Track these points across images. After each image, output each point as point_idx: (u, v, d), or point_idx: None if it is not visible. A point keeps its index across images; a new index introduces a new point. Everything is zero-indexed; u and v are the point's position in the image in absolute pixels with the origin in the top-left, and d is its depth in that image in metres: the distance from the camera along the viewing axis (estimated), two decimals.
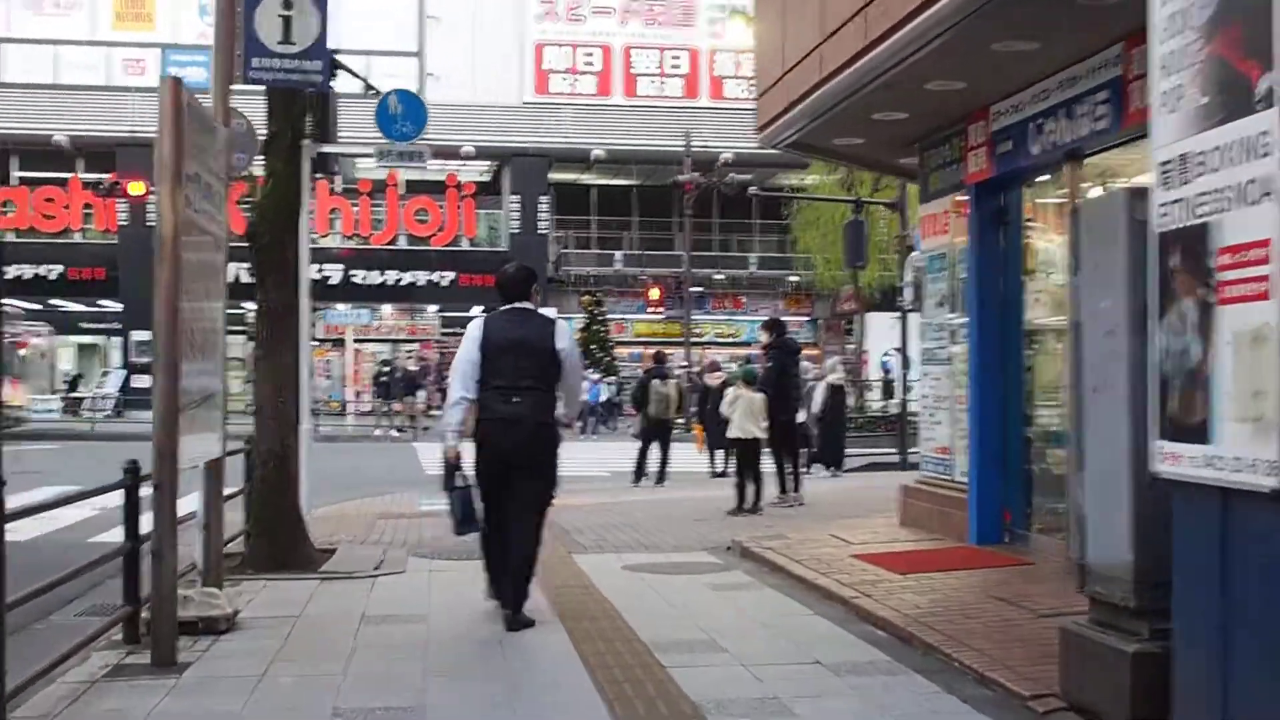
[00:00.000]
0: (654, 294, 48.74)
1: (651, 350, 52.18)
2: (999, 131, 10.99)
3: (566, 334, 8.89)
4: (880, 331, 47.77)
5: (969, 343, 11.75)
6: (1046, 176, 10.97)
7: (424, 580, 10.72)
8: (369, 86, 15.28)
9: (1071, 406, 6.46)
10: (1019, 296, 11.33)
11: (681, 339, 51.75)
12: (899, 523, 13.23)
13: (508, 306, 8.90)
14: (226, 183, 9.07)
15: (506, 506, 8.69)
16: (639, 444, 21.94)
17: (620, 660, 7.67)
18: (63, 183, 45.42)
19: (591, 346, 48.56)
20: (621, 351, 51.43)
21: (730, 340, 51.71)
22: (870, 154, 13.53)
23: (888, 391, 27.08)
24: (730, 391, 16.69)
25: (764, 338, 17.65)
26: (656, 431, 21.54)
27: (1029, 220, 11.39)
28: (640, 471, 21.39)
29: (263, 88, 11.50)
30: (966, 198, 11.88)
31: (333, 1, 12.85)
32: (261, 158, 11.75)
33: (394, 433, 38.79)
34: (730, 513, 15.70)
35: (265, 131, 11.75)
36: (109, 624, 7.64)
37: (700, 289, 47.53)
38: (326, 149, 13.19)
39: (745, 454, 15.94)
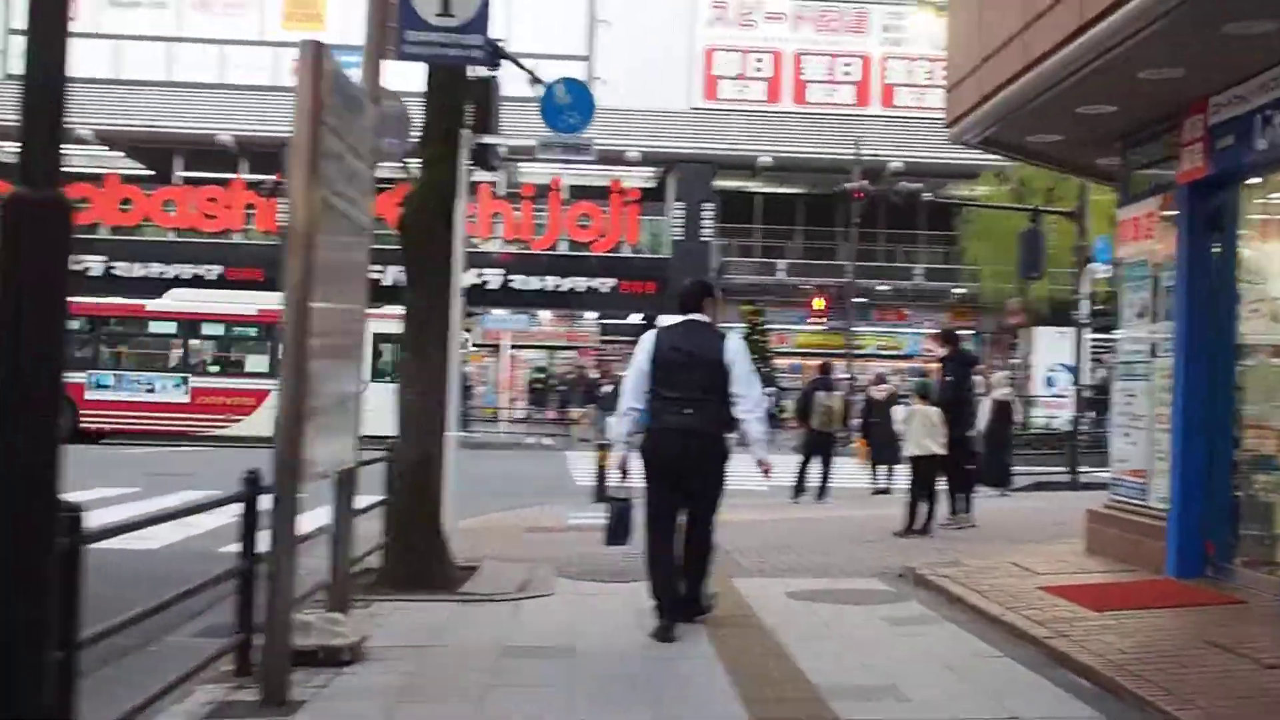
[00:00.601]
0: (818, 304, 47.69)
1: (814, 362, 51.96)
2: (1218, 125, 9.86)
3: (736, 347, 8.89)
4: (1047, 346, 46.23)
5: (1174, 357, 10.60)
6: (1268, 176, 9.84)
7: (572, 605, 9.90)
8: (534, 77, 14.52)
9: None
10: (1232, 308, 10.19)
11: (843, 350, 50.91)
12: (1085, 550, 12.14)
13: (683, 319, 9.02)
14: (374, 167, 8.31)
15: (674, 517, 8.73)
16: (800, 457, 21.01)
17: (791, 708, 6.79)
18: (225, 183, 45.59)
19: (752, 356, 47.56)
20: (781, 362, 50.40)
21: (892, 353, 50.31)
22: (1066, 153, 12.44)
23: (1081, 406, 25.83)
24: (902, 409, 15.69)
25: (939, 349, 16.71)
26: (819, 445, 20.57)
27: (1249, 224, 10.25)
28: (801, 486, 20.43)
29: (421, 89, 10.84)
30: (1174, 199, 10.79)
31: (501, 2, 12.21)
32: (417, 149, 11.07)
33: (545, 440, 38.25)
34: (898, 534, 14.82)
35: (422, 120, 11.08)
36: (217, 653, 6.87)
37: (863, 300, 46.31)
38: (486, 140, 12.42)
39: (922, 472, 15.01)
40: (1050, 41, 9.20)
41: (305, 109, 6.48)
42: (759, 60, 47.19)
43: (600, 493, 19.74)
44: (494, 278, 45.74)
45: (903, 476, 19.59)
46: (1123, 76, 9.41)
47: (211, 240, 44.99)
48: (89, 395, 30.85)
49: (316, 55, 6.56)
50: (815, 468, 20.52)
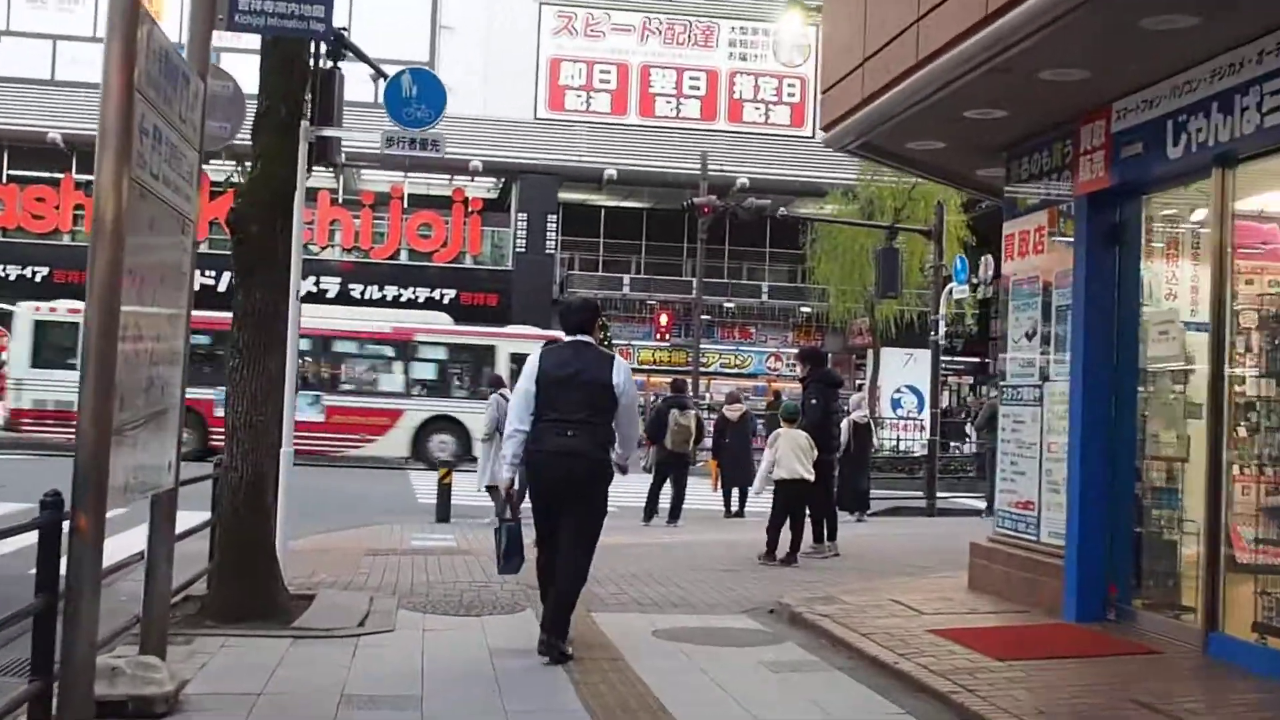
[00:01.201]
0: (663, 320, 47.19)
1: (658, 379, 51.40)
2: (1123, 132, 9.23)
3: (624, 370, 8.85)
4: (894, 368, 46.21)
5: (1071, 382, 9.89)
6: (1179, 187, 9.27)
7: (416, 642, 8.96)
8: (378, 70, 13.56)
9: None
10: (1134, 330, 9.58)
11: (688, 367, 50.42)
12: (968, 586, 11.50)
13: (570, 339, 8.91)
14: (201, 152, 7.32)
15: (557, 537, 8.66)
16: (651, 478, 20.26)
17: None
18: (55, 182, 43.63)
19: None
20: None
21: (737, 371, 49.89)
22: (948, 162, 11.80)
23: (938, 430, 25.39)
24: (775, 431, 14.97)
25: (801, 369, 16.08)
26: (672, 465, 19.80)
27: (1155, 238, 9.66)
28: (652, 509, 19.66)
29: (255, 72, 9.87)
30: (1072, 211, 10.21)
31: (341, 5, 11.33)
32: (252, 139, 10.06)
33: None
34: (762, 560, 14.20)
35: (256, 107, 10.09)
36: (7, 707, 5.83)
37: (708, 317, 45.83)
38: (327, 132, 11.41)
39: (790, 497, 14.40)
40: (948, 34, 8.51)
41: (117, 72, 5.51)
42: (605, 72, 46.34)
43: (443, 511, 18.82)
44: (332, 286, 44.48)
45: (755, 500, 19.02)
46: (1022, 77, 8.78)
47: (40, 241, 42.95)
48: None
49: (130, 11, 5.58)
50: (666, 489, 19.78)
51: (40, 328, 32.77)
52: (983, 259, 26.25)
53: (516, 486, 8.92)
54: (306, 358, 31.87)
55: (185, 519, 11.39)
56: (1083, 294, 9.74)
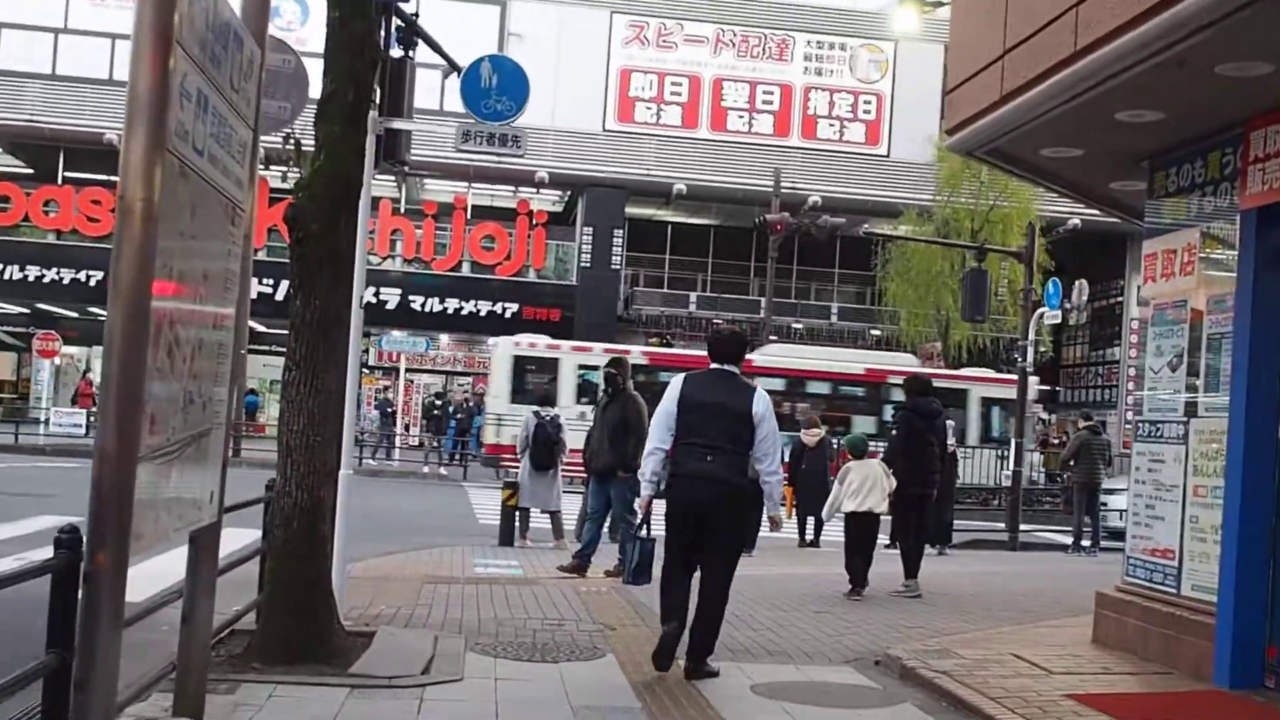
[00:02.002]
0: None
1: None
2: None
3: (764, 401, 8.93)
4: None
5: (1231, 421, 8.66)
6: None
7: (488, 695, 7.89)
8: (450, 62, 12.55)
9: None
10: None
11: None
12: (1093, 640, 10.34)
13: (714, 367, 9.13)
14: (255, 130, 6.29)
15: (693, 560, 8.87)
16: None
17: None
18: (111, 184, 43.05)
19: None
20: None
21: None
22: (1080, 173, 10.64)
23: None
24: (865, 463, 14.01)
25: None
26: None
27: None
28: None
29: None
30: (1211, 232, 9.09)
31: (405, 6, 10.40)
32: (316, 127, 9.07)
33: (442, 470, 36.24)
34: (849, 595, 13.42)
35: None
36: None
37: (775, 338, 44.68)
38: (397, 125, 10.40)
39: (857, 528, 13.66)
40: (1116, 20, 7.38)
41: (151, 19, 4.50)
42: (676, 84, 45.35)
43: (507, 535, 17.84)
44: (392, 297, 43.72)
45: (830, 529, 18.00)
46: (1195, 72, 7.63)
47: (94, 245, 42.31)
48: None
49: None
50: None
51: (519, 363, 32.20)
52: (1077, 283, 24.99)
53: (649, 503, 9.06)
54: (782, 399, 31.21)
55: (235, 539, 10.50)
56: (1248, 322, 8.52)
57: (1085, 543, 22.32)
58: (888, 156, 45.51)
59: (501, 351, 33.19)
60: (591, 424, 15.63)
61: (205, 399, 5.57)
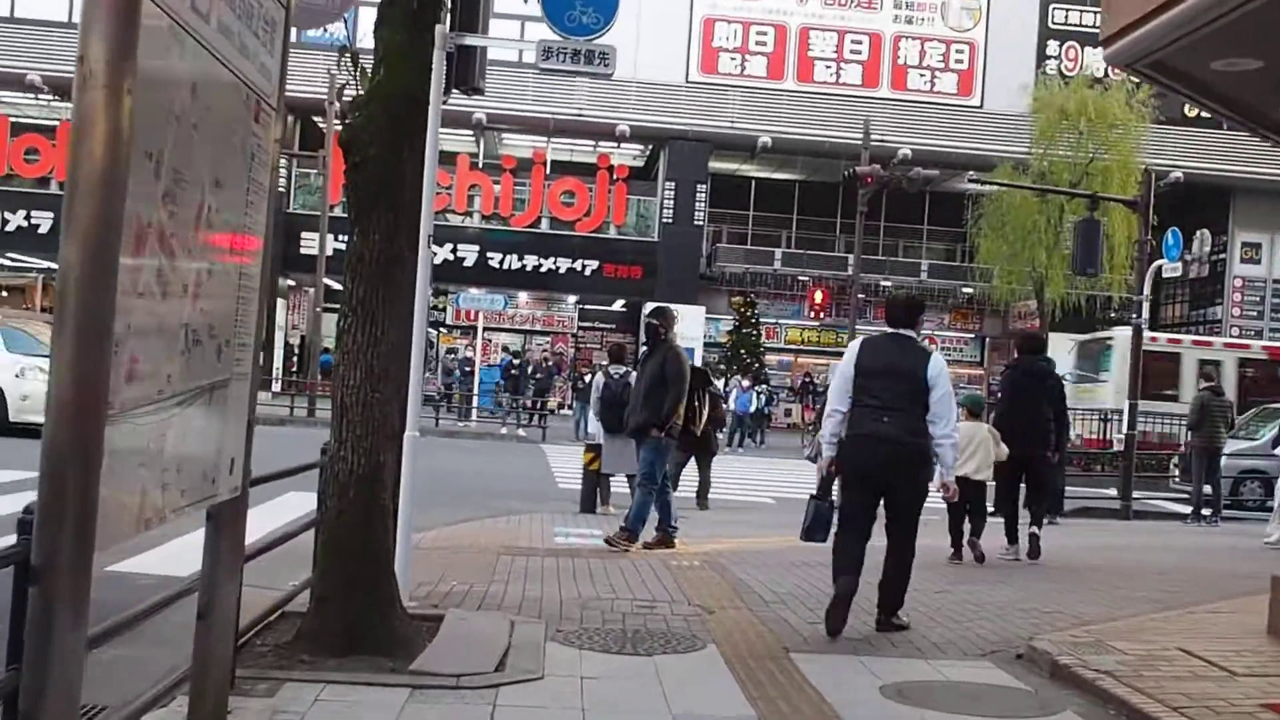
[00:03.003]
0: (818, 297, 44.78)
1: (809, 359, 49.00)
2: None
3: (939, 365, 9.03)
4: (1059, 356, 43.01)
5: None
6: None
7: (574, 697, 6.66)
8: None
9: None
10: None
11: (835, 348, 48.10)
12: (1268, 629, 8.99)
13: (891, 331, 9.24)
14: (287, 8, 5.04)
15: (867, 522, 8.93)
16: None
17: None
18: None
19: (741, 351, 44.69)
20: (770, 359, 47.35)
21: None
22: (1251, 91, 9.20)
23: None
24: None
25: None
26: None
27: None
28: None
29: None
30: None
31: None
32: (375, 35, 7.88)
33: (520, 431, 35.20)
34: (950, 560, 12.91)
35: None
36: None
37: (862, 296, 43.24)
38: (469, 40, 9.16)
39: (967, 494, 12.40)
40: None
41: None
42: (762, 33, 43.85)
43: (589, 501, 16.70)
44: (470, 254, 42.74)
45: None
46: None
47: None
48: None
49: None
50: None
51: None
52: (1199, 233, 23.43)
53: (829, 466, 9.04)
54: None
55: (296, 505, 9.39)
56: None
57: (1206, 512, 20.65)
58: (981, 108, 43.89)
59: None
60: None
61: (220, 342, 4.37)
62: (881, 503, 8.93)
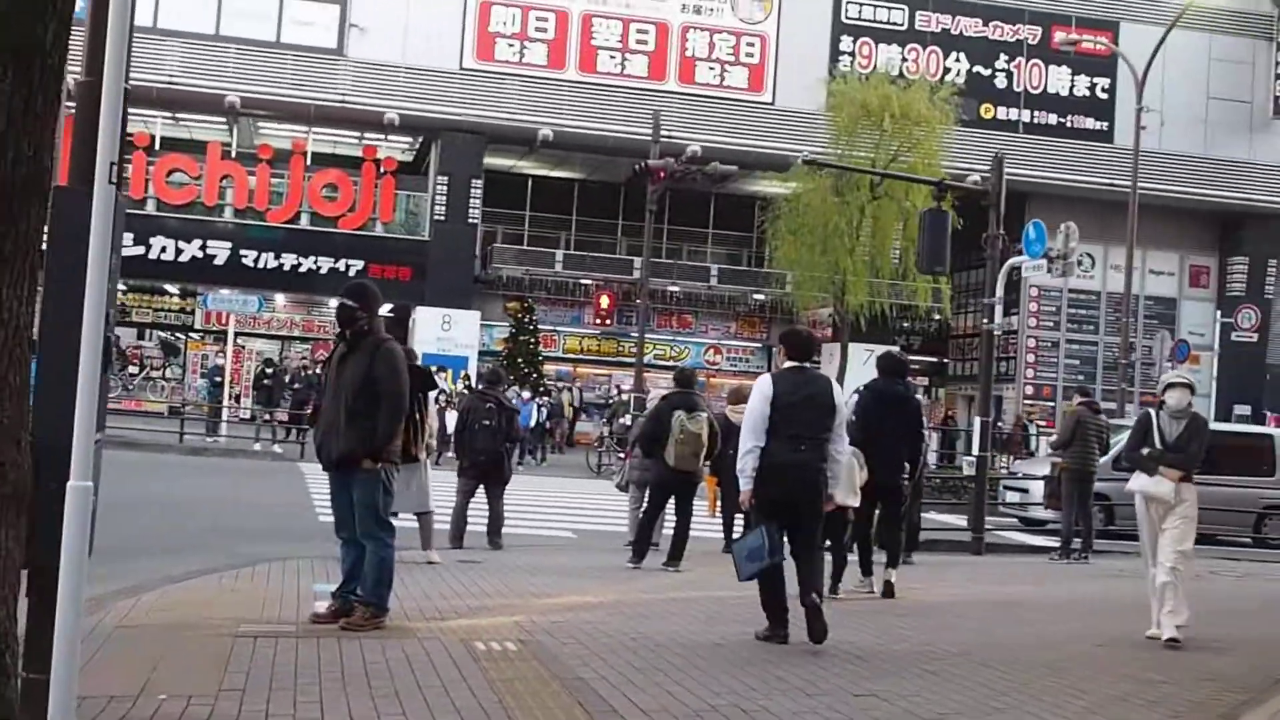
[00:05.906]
0: (604, 303, 42.07)
1: (590, 369, 46.22)
2: None
3: (841, 393, 9.87)
4: (855, 366, 40.46)
5: None
6: None
7: None
8: None
9: None
10: None
11: (617, 358, 45.61)
12: None
13: (796, 364, 9.77)
14: None
15: (789, 541, 9.41)
16: (638, 503, 15.08)
17: None
18: None
19: (519, 360, 41.62)
20: (548, 368, 44.36)
21: (672, 364, 43.96)
22: None
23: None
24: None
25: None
26: (676, 487, 14.35)
27: None
28: (645, 546, 14.31)
29: None
30: None
31: None
32: None
33: (276, 448, 31.61)
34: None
35: None
36: None
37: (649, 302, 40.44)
38: None
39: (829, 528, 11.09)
40: None
41: None
42: (542, 19, 40.69)
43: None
44: (221, 251, 39.01)
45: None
46: None
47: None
48: None
49: None
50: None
51: None
52: (1064, 226, 21.00)
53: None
54: None
55: None
56: None
57: (1076, 544, 17.86)
58: (773, 104, 41.51)
59: None
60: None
61: None
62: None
